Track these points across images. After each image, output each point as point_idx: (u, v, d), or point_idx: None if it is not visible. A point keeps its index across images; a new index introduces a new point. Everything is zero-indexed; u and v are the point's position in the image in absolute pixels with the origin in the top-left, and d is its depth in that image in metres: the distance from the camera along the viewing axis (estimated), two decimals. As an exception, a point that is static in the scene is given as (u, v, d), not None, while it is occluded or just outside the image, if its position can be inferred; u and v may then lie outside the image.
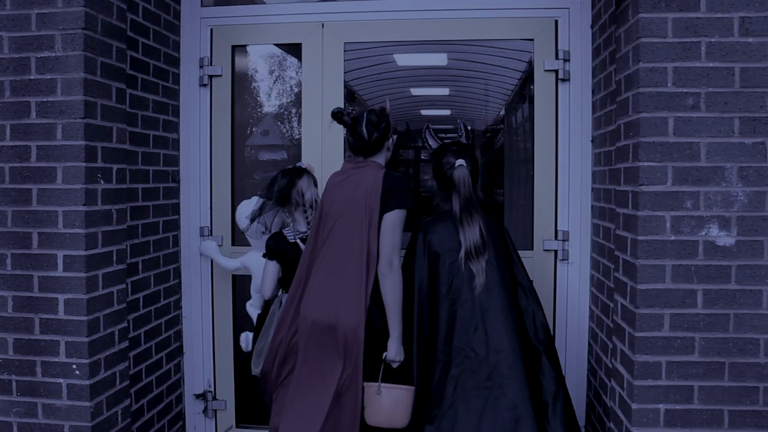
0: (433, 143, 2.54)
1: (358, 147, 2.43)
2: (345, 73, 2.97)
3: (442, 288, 2.30)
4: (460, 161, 2.36)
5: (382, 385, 2.25)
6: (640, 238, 2.09)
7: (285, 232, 2.63)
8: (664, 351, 2.09)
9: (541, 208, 2.88)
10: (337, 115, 2.47)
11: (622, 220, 2.26)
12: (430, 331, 2.30)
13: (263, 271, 2.64)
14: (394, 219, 2.31)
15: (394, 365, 2.31)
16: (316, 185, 2.67)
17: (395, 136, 2.54)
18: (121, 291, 2.52)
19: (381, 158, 2.47)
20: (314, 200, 2.61)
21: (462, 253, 2.28)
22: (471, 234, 2.28)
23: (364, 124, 2.41)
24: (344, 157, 2.72)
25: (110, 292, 2.45)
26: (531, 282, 2.42)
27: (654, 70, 2.07)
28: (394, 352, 2.30)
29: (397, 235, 2.31)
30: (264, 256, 2.64)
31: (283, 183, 2.60)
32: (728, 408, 2.08)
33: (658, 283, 2.09)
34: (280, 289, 2.67)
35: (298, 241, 2.60)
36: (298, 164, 2.72)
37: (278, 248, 2.61)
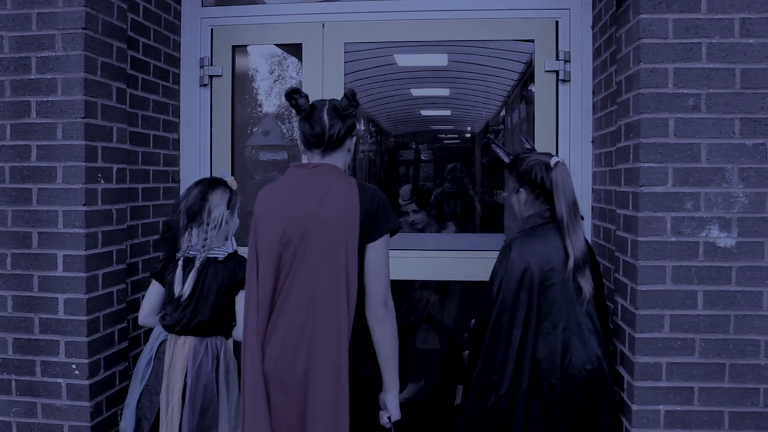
0: (505, 156, 2.20)
1: (314, 138, 1.93)
2: (346, 74, 2.97)
3: (531, 312, 1.98)
4: (557, 159, 2.07)
5: None
6: (640, 239, 2.08)
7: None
8: (665, 352, 2.08)
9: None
10: (292, 96, 1.93)
11: (623, 221, 2.25)
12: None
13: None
14: (383, 248, 1.88)
15: (388, 425, 2.00)
16: (230, 204, 2.32)
17: (357, 137, 2.07)
18: (120, 291, 2.52)
19: (340, 160, 1.98)
20: (221, 221, 2.26)
21: (571, 264, 1.98)
22: (577, 241, 2.00)
23: (326, 109, 1.94)
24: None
25: (110, 292, 2.45)
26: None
27: (655, 71, 2.07)
28: (395, 409, 1.96)
29: (387, 266, 1.88)
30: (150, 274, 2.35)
31: (194, 195, 2.28)
32: (728, 409, 2.07)
33: (659, 284, 2.08)
34: (159, 321, 2.34)
35: (180, 261, 2.27)
36: (222, 175, 2.43)
37: (162, 268, 2.31)
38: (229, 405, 2.26)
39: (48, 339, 2.31)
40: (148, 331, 2.78)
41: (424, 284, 3.79)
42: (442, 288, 3.79)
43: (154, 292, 2.35)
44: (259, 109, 3.50)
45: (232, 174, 3.08)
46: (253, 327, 1.91)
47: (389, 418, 1.95)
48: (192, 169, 3.05)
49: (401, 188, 3.44)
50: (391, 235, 1.92)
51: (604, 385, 2.02)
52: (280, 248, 1.89)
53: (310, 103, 1.97)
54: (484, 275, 2.22)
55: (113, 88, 2.44)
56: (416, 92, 10.64)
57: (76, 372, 2.30)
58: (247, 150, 3.39)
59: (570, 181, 2.02)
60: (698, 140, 2.06)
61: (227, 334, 2.33)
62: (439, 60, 6.86)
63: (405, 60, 7.05)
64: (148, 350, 2.33)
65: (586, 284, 1.99)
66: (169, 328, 2.28)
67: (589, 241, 2.82)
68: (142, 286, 2.75)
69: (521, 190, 2.11)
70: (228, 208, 2.31)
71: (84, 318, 2.29)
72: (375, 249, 1.87)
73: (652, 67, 2.07)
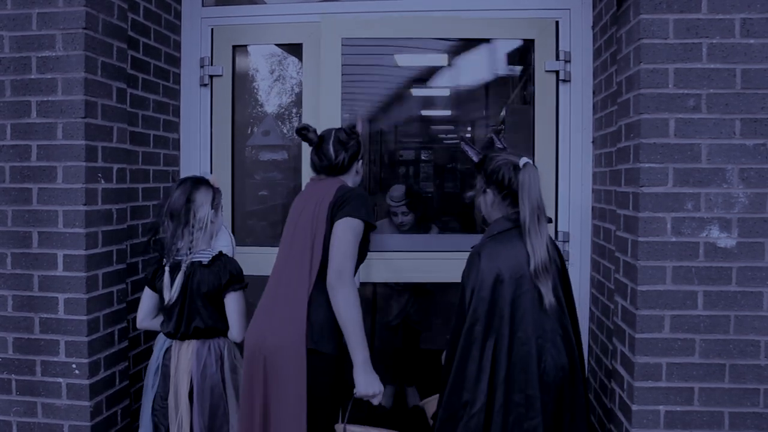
0: (474, 155, 2.11)
1: (323, 167, 2.23)
2: (345, 74, 2.97)
3: (503, 322, 1.88)
4: (526, 159, 1.95)
5: (349, 427, 1.94)
6: (640, 239, 2.09)
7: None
8: (665, 352, 2.08)
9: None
10: (301, 132, 2.23)
11: (623, 221, 2.25)
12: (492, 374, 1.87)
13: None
14: (344, 226, 2.04)
15: (375, 401, 2.00)
16: (214, 203, 2.30)
17: (363, 160, 2.31)
18: (121, 291, 2.52)
19: (348, 180, 2.25)
20: (207, 222, 2.26)
21: (531, 269, 1.87)
22: (539, 246, 1.88)
23: (332, 142, 2.21)
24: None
25: (110, 291, 2.45)
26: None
27: (655, 71, 2.07)
28: (362, 384, 1.96)
29: (349, 243, 2.02)
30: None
31: (176, 196, 2.24)
32: (729, 410, 2.07)
33: (659, 284, 2.08)
34: (160, 328, 2.32)
35: (167, 267, 2.23)
36: (203, 174, 2.41)
37: (153, 274, 2.29)
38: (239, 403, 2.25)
39: (48, 339, 2.31)
40: (149, 332, 2.79)
41: (400, 286, 3.75)
42: (416, 289, 3.74)
43: (147, 297, 2.34)
44: (259, 108, 3.50)
45: (232, 174, 3.08)
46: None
47: (355, 392, 1.95)
48: (192, 169, 3.04)
49: (392, 188, 3.29)
50: (367, 230, 2.11)
51: (576, 392, 1.92)
52: (287, 236, 2.19)
53: (318, 134, 2.24)
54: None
55: (113, 88, 2.45)
56: (416, 92, 10.62)
57: (76, 371, 2.30)
58: (247, 150, 3.39)
59: (537, 183, 1.89)
60: (699, 140, 2.06)
61: None
62: (439, 60, 6.86)
63: (405, 60, 7.06)
64: (155, 358, 2.32)
65: (547, 291, 1.86)
66: (170, 336, 2.28)
67: (589, 241, 2.82)
68: (142, 286, 2.73)
69: (488, 190, 2.01)
70: (212, 208, 2.28)
71: (84, 318, 2.29)
72: (337, 227, 2.05)
73: (652, 67, 2.07)
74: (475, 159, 2.07)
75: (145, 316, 2.35)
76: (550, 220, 1.98)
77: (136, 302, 2.68)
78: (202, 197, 2.26)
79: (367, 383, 1.98)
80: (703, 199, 2.07)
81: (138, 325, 2.38)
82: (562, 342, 1.90)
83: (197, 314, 2.22)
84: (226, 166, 3.06)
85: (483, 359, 1.86)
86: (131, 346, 2.66)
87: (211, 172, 3.03)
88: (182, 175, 3.03)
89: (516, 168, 1.93)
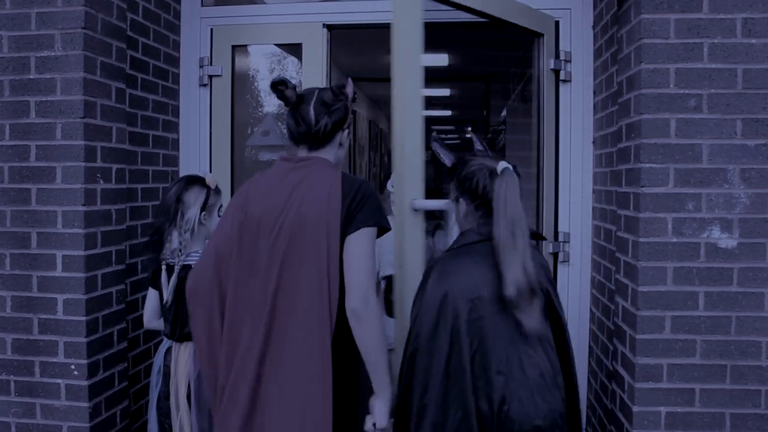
0: (446, 158, 1.82)
1: (300, 134, 1.82)
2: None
3: (464, 360, 1.55)
4: (505, 164, 1.64)
5: None
6: (641, 239, 2.08)
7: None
8: (666, 353, 2.07)
9: (541, 210, 2.87)
10: (278, 87, 1.81)
11: (624, 221, 2.24)
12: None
13: None
14: (364, 241, 1.71)
15: None
16: (205, 204, 2.22)
17: (350, 129, 1.93)
18: (120, 291, 2.51)
19: (330, 154, 1.85)
20: (194, 223, 2.19)
21: (505, 292, 1.54)
22: (514, 269, 1.54)
23: (313, 103, 1.81)
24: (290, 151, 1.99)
25: (109, 292, 2.44)
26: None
27: (656, 71, 2.06)
28: (384, 415, 1.74)
29: (370, 260, 1.71)
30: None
31: (169, 196, 2.22)
32: (730, 411, 2.07)
33: (660, 285, 2.07)
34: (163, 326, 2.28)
35: (164, 267, 2.21)
36: (202, 173, 2.36)
37: (153, 274, 2.27)
38: None
39: (47, 339, 2.30)
40: (148, 332, 2.78)
41: None
42: None
43: (151, 297, 2.32)
44: (259, 109, 3.49)
45: (232, 175, 3.07)
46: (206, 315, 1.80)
47: (374, 424, 1.75)
48: (191, 169, 3.03)
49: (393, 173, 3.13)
50: (379, 234, 1.78)
51: None
52: (247, 242, 1.77)
53: (298, 93, 1.84)
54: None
55: (112, 88, 2.44)
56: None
57: (75, 372, 2.30)
58: (246, 150, 3.38)
59: (517, 193, 1.59)
60: (700, 141, 2.05)
61: None
62: (440, 59, 6.86)
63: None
64: (158, 359, 2.31)
65: (529, 321, 1.55)
66: (169, 337, 2.27)
67: (590, 241, 2.81)
68: (142, 287, 2.74)
69: (461, 199, 1.72)
70: (204, 209, 2.23)
71: (83, 318, 2.29)
72: (354, 241, 1.70)
73: (653, 67, 2.06)
74: (448, 163, 1.80)
75: (152, 316, 2.33)
76: (540, 237, 1.73)
77: (135, 303, 2.70)
78: (192, 197, 2.22)
79: (386, 415, 1.76)
80: (704, 200, 2.06)
81: (145, 326, 2.36)
82: (546, 383, 1.56)
83: (188, 318, 2.20)
84: (225, 167, 3.05)
85: (427, 395, 1.56)
86: (130, 347, 2.66)
87: (210, 171, 3.02)
88: (181, 176, 3.02)
89: (493, 174, 1.64)
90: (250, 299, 1.75)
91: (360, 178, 1.84)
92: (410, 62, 2.06)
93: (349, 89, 1.89)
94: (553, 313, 1.67)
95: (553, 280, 1.74)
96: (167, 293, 2.20)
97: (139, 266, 2.74)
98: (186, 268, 2.18)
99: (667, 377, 2.07)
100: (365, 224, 1.72)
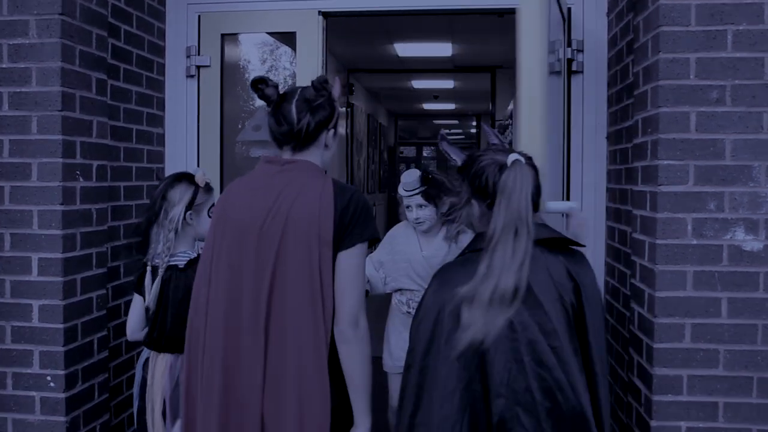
0: (457, 157, 1.75)
1: (282, 134, 1.79)
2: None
3: (455, 377, 1.48)
4: (515, 156, 1.57)
5: None
6: (658, 241, 2.06)
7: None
8: (686, 364, 2.05)
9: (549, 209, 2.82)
10: (257, 86, 1.81)
11: (640, 222, 2.22)
12: None
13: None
14: (357, 259, 1.72)
15: None
16: (192, 202, 2.21)
17: (336, 129, 1.89)
18: (101, 297, 2.49)
19: (316, 156, 1.83)
20: (178, 222, 2.18)
21: (465, 290, 1.47)
22: (504, 266, 1.46)
23: (295, 101, 1.79)
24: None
25: (89, 298, 2.42)
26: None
27: (675, 61, 2.04)
28: None
29: (362, 278, 1.74)
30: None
31: (155, 193, 2.22)
32: (757, 427, 2.03)
33: (679, 290, 2.05)
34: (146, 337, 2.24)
35: (149, 269, 2.19)
36: (193, 170, 2.33)
37: (139, 278, 2.24)
38: None
39: (21, 349, 2.27)
40: (130, 341, 2.75)
41: None
42: None
43: (137, 303, 2.26)
44: (250, 102, 3.47)
45: (221, 172, 3.06)
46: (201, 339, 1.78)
47: None
48: (178, 166, 3.01)
49: (404, 173, 2.83)
50: (369, 245, 1.78)
51: None
52: (235, 253, 1.76)
53: (280, 92, 1.83)
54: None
55: (93, 79, 2.41)
56: (417, 84, 10.62)
57: (52, 384, 2.27)
58: (237, 146, 3.36)
59: (527, 187, 1.51)
60: (722, 135, 2.03)
61: None
62: (443, 49, 6.83)
63: (406, 50, 7.05)
64: (138, 370, 2.28)
65: (472, 327, 1.45)
66: (148, 345, 2.23)
67: (603, 243, 2.78)
68: (125, 292, 2.72)
69: (473, 201, 1.64)
70: (190, 207, 2.21)
71: (61, 326, 2.26)
72: (347, 259, 1.71)
73: (672, 56, 2.03)
74: (458, 162, 1.73)
75: (135, 327, 2.26)
76: (575, 243, 1.63)
77: (117, 309, 2.68)
78: (177, 195, 2.20)
79: None
80: (727, 199, 2.03)
81: (129, 337, 2.30)
82: (559, 409, 1.46)
83: (170, 324, 2.16)
84: (214, 164, 3.03)
85: (419, 415, 1.51)
86: (112, 356, 2.63)
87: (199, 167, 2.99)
88: (167, 173, 3.01)
89: (503, 168, 1.56)
90: (236, 318, 1.74)
91: (351, 186, 1.84)
92: (538, 60, 2.02)
93: (336, 88, 1.86)
94: (582, 334, 1.55)
95: (593, 297, 1.59)
96: (149, 297, 2.17)
97: (122, 270, 2.72)
98: (171, 270, 2.16)
99: (687, 390, 2.05)
100: (360, 239, 1.73)
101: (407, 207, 2.80)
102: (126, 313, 2.73)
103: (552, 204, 2.06)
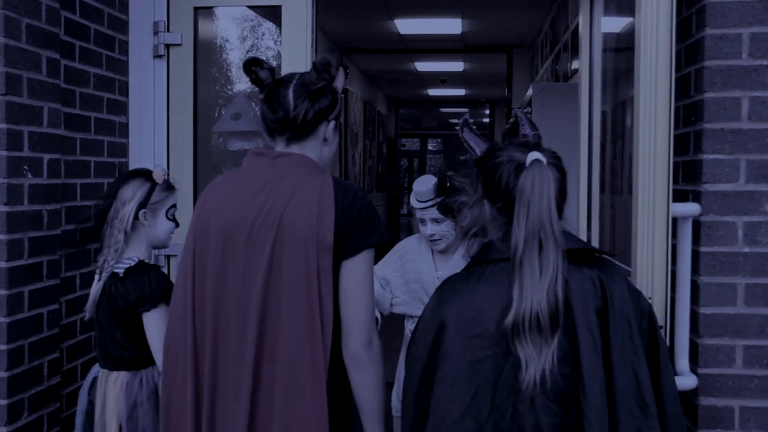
0: (477, 147, 1.72)
1: (275, 122, 1.79)
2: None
3: (453, 407, 1.48)
4: (537, 155, 1.54)
5: None
6: (703, 249, 2.05)
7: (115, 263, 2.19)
8: (737, 393, 2.03)
9: (569, 216, 2.79)
10: (250, 69, 1.81)
11: (682, 226, 2.20)
12: None
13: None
14: (365, 268, 1.72)
15: None
16: (146, 200, 2.22)
17: (338, 122, 1.90)
18: (52, 313, 2.47)
19: (313, 150, 1.82)
20: (127, 223, 2.18)
21: (509, 320, 1.46)
22: (534, 287, 1.45)
23: (292, 86, 1.79)
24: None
25: (38, 314, 2.40)
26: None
27: (724, 37, 2.02)
28: None
29: (372, 292, 1.74)
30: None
31: (105, 191, 2.24)
32: (819, 467, 2.03)
33: (728, 306, 2.04)
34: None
35: (96, 277, 2.20)
36: (154, 166, 2.34)
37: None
38: None
39: (-42, 374, 2.26)
40: (88, 364, 2.76)
41: None
42: None
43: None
44: (228, 86, 3.47)
45: (194, 167, 3.06)
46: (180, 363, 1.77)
47: None
48: (144, 160, 3.01)
49: (416, 181, 2.79)
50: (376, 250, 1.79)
51: None
52: (219, 264, 1.74)
53: (275, 77, 1.83)
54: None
55: (43, 58, 2.40)
56: (422, 66, 10.61)
57: (-7, 416, 2.26)
58: (213, 138, 3.37)
59: (549, 191, 1.49)
60: (780, 125, 2.03)
61: None
62: (451, 26, 6.80)
63: (409, 26, 7.04)
64: (82, 393, 2.26)
65: (532, 359, 1.44)
66: (100, 362, 2.23)
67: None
68: (81, 306, 2.68)
69: (485, 201, 1.64)
70: (143, 207, 2.21)
71: (4, 347, 2.24)
72: (353, 268, 1.70)
73: (721, 32, 2.02)
74: (478, 153, 1.71)
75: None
76: (603, 253, 1.62)
77: (72, 327, 2.67)
78: (129, 192, 2.20)
79: None
80: (786, 200, 2.04)
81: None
82: None
83: (109, 339, 2.18)
84: (186, 158, 3.03)
85: None
86: (65, 382, 2.61)
87: (168, 165, 3.01)
88: (131, 168, 3.00)
89: (520, 168, 1.54)
90: (224, 334, 1.74)
91: (354, 185, 1.82)
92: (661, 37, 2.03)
93: (340, 80, 1.86)
94: (606, 359, 1.51)
95: (621, 313, 1.53)
96: (87, 304, 2.18)
97: (79, 281, 2.71)
98: (113, 277, 2.16)
99: (740, 424, 2.03)
100: (366, 245, 1.72)
101: (420, 221, 2.76)
102: (83, 332, 2.73)
103: (680, 206, 2.06)
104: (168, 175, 2.33)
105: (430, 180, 2.74)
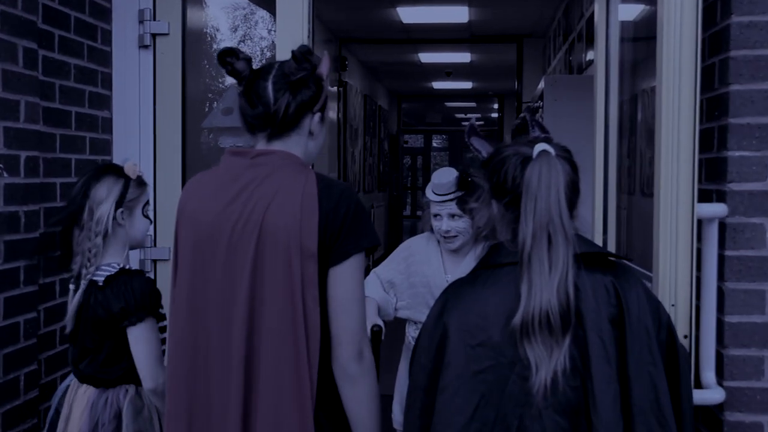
0: (484, 150, 1.75)
1: (255, 118, 1.76)
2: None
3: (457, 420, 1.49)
4: (544, 147, 1.54)
5: None
6: (728, 253, 2.04)
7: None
8: (766, 408, 2.01)
9: (583, 215, 2.78)
10: (225, 59, 1.79)
11: (705, 229, 2.19)
12: None
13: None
14: (354, 275, 1.71)
15: None
16: (122, 199, 2.20)
17: (324, 113, 1.86)
18: (30, 321, 2.48)
19: (297, 146, 1.79)
20: (106, 224, 2.16)
21: (517, 319, 1.46)
22: (544, 285, 1.46)
23: (272, 77, 1.76)
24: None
25: (15, 323, 2.40)
26: None
27: (751, 25, 2.00)
28: None
29: (363, 300, 1.74)
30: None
31: (74, 191, 2.20)
32: None
33: (755, 314, 2.03)
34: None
35: (71, 287, 2.20)
36: (123, 161, 2.31)
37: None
38: None
39: (-72, 387, 2.27)
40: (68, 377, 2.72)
41: None
42: None
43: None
44: (219, 79, 3.47)
45: (183, 165, 3.07)
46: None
47: None
48: (129, 158, 2.96)
49: (436, 172, 2.76)
50: (366, 254, 1.75)
51: None
52: (197, 275, 1.74)
53: (253, 68, 1.81)
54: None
55: (19, 48, 2.39)
56: (426, 58, 10.63)
57: (-34, 433, 2.27)
58: (203, 134, 3.38)
59: (558, 184, 1.49)
60: (813, 120, 2.02)
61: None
62: (458, 14, 6.79)
63: (411, 15, 7.03)
64: (54, 398, 2.26)
65: (542, 362, 1.44)
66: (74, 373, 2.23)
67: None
68: (61, 314, 2.67)
69: (493, 201, 1.65)
70: (120, 206, 2.18)
71: (-23, 359, 2.25)
72: (342, 275, 1.68)
73: (748, 20, 2.00)
74: (484, 155, 1.72)
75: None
76: (619, 257, 1.64)
77: (52, 336, 2.67)
78: (104, 191, 2.16)
79: None
80: (818, 200, 2.03)
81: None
82: None
83: (87, 353, 2.16)
84: (174, 156, 3.04)
85: None
86: (43, 396, 2.60)
87: (154, 163, 3.02)
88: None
89: (526, 161, 1.54)
90: (207, 346, 1.73)
91: (340, 182, 1.81)
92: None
93: (324, 64, 1.82)
94: (623, 370, 1.51)
95: (637, 320, 1.53)
96: (67, 316, 2.16)
97: (58, 287, 2.71)
98: (92, 286, 2.14)
99: None
100: (355, 249, 1.69)
101: (435, 215, 2.73)
102: (62, 342, 2.72)
103: (705, 207, 2.04)
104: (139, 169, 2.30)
105: (450, 173, 2.71)
